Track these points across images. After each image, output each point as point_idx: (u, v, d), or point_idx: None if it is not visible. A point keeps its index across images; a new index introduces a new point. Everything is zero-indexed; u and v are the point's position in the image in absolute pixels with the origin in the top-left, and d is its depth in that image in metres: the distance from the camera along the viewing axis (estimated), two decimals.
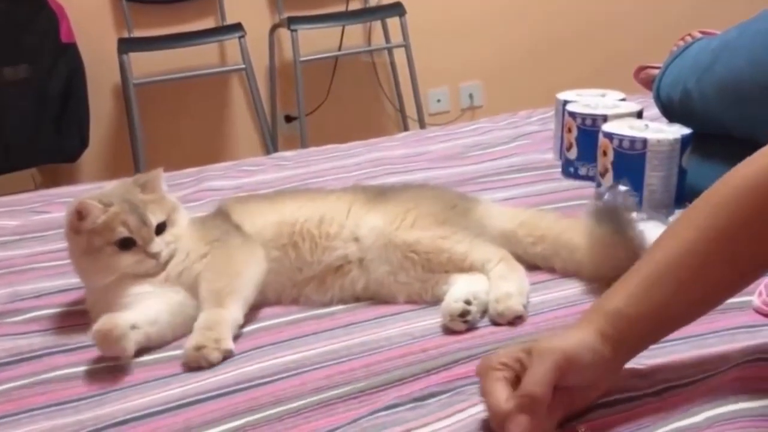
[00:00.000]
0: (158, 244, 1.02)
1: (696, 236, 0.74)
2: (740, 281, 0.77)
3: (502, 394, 0.69)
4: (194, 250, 1.04)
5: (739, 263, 0.74)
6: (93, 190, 1.16)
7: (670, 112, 1.39)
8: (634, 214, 1.04)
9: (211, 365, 0.91)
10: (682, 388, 0.75)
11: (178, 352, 0.95)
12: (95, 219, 1.00)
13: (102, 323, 0.91)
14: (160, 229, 1.04)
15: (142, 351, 0.95)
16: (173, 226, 1.05)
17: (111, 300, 1.01)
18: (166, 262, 1.03)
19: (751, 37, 1.22)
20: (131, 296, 1.00)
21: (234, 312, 0.97)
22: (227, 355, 0.93)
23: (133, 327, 0.93)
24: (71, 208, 1.01)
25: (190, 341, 0.93)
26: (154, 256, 1.02)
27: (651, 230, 1.16)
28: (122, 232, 1.00)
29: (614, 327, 0.72)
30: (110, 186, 1.12)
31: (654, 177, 1.25)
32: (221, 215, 1.13)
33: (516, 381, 0.70)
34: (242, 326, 1.00)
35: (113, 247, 1.01)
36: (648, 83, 1.64)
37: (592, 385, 0.72)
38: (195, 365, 0.91)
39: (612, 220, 1.01)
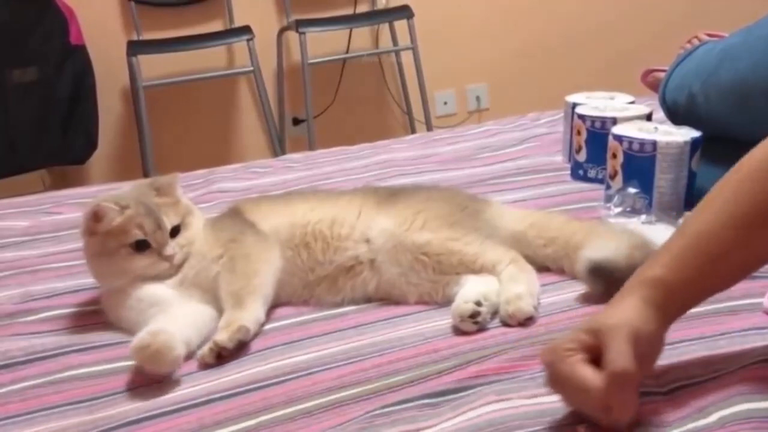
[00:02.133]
0: (172, 246, 1.03)
1: (714, 219, 0.76)
2: (759, 263, 0.78)
3: (593, 374, 0.69)
4: (209, 252, 1.05)
5: (755, 248, 0.76)
6: (104, 192, 1.18)
7: (676, 115, 1.39)
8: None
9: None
10: (693, 387, 0.76)
11: None
12: (111, 221, 1.01)
13: (153, 341, 0.88)
14: (175, 232, 1.05)
15: None
16: (187, 229, 1.06)
17: (126, 302, 1.02)
18: (180, 265, 1.04)
19: (754, 42, 1.22)
20: (146, 300, 1.01)
21: (255, 311, 0.98)
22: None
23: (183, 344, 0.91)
24: (88, 210, 1.02)
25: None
26: (168, 258, 1.03)
27: (660, 233, 1.17)
28: (137, 235, 1.01)
29: (657, 293, 0.73)
30: (126, 188, 1.13)
31: (663, 179, 1.25)
32: (234, 214, 1.14)
33: (590, 363, 0.70)
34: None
35: (128, 249, 1.02)
36: (655, 86, 1.64)
37: (648, 355, 0.73)
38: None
39: (604, 279, 0.99)
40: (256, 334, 0.98)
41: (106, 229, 1.01)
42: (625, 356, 0.68)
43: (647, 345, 0.71)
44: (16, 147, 2.83)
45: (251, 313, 0.98)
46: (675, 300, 0.75)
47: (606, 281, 0.98)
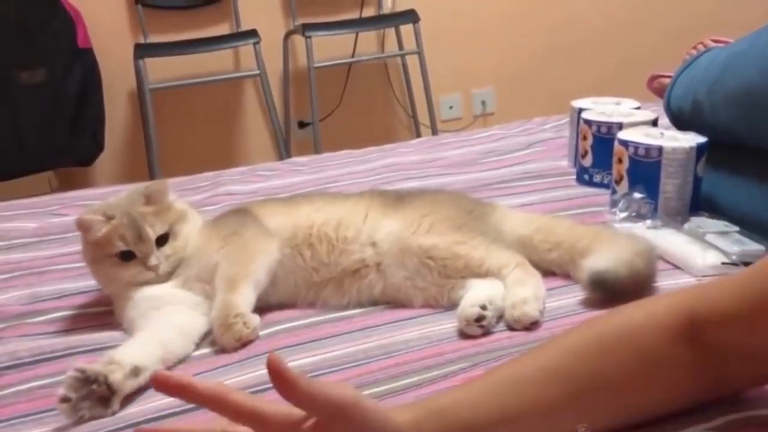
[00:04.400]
0: (157, 257, 1.04)
1: (533, 372, 0.68)
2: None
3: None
4: (209, 247, 1.06)
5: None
6: (110, 194, 1.18)
7: (681, 122, 1.40)
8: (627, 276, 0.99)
9: (249, 339, 0.98)
10: None
11: (201, 352, 0.97)
12: (96, 232, 1.04)
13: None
14: (164, 240, 1.06)
15: None
16: (176, 238, 1.07)
17: (126, 304, 1.03)
18: (170, 272, 1.05)
19: (762, 47, 1.22)
20: (144, 301, 1.02)
21: (246, 294, 1.00)
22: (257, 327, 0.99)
23: (135, 372, 0.88)
24: (76, 220, 1.05)
25: (217, 332, 0.97)
26: (153, 269, 1.04)
27: (665, 238, 1.17)
28: (120, 246, 1.03)
29: (433, 422, 0.64)
30: (123, 194, 1.13)
31: (669, 185, 1.25)
32: (239, 212, 1.15)
33: None
34: (260, 329, 1.01)
35: (114, 259, 1.04)
36: (661, 92, 1.64)
37: None
38: (236, 344, 0.96)
39: (605, 289, 1.00)
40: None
41: (93, 239, 1.04)
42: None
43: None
44: (23, 148, 2.85)
45: (244, 298, 1.00)
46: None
47: (607, 291, 0.99)
